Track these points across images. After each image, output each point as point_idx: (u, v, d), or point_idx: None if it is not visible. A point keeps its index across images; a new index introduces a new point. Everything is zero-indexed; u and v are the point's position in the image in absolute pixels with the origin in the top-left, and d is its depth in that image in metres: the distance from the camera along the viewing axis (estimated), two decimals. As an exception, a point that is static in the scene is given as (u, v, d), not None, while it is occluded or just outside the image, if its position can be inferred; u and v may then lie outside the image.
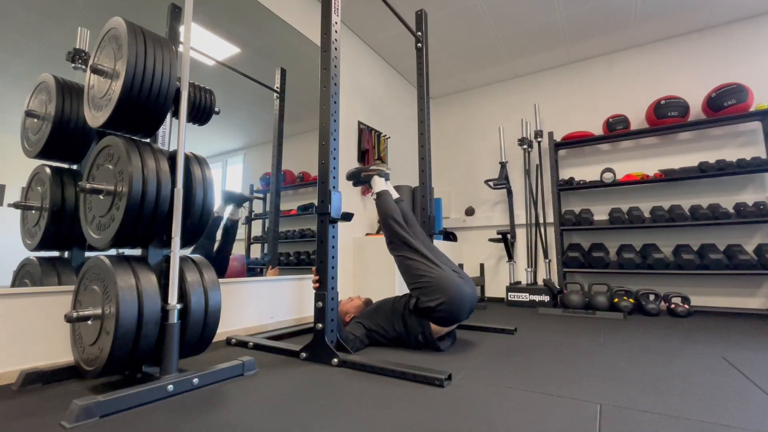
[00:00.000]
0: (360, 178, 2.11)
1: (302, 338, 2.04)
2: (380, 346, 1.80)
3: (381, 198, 1.95)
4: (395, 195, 2.04)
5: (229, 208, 2.22)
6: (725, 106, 2.94)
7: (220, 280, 1.95)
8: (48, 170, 1.41)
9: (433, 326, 1.67)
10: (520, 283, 3.71)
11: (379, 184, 2.03)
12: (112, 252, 1.30)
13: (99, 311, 1.11)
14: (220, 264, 2.16)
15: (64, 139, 1.42)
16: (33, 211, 1.42)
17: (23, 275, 1.42)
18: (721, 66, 3.22)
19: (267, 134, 2.54)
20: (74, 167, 1.52)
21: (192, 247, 1.97)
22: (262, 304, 2.23)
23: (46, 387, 1.21)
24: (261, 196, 2.52)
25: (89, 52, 1.55)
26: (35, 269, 1.41)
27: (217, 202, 2.21)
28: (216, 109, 1.66)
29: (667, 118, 3.14)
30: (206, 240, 2.10)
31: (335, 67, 1.65)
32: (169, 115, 1.43)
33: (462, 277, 1.74)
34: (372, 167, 2.11)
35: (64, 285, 1.41)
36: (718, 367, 1.44)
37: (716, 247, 2.93)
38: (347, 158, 3.15)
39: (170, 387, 1.11)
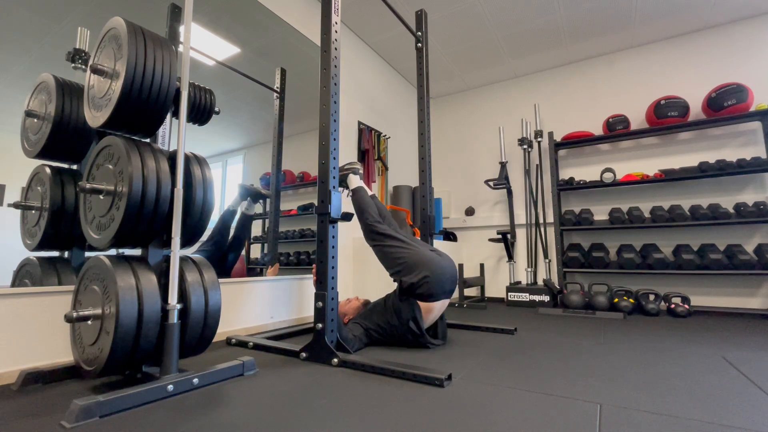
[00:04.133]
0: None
1: (302, 338, 2.04)
2: (380, 345, 1.80)
3: (357, 194, 2.02)
4: (369, 192, 2.11)
5: (244, 203, 2.27)
6: (725, 106, 2.94)
7: (220, 280, 1.95)
8: (48, 170, 1.41)
9: (423, 306, 1.70)
10: (520, 283, 3.71)
11: (354, 181, 2.11)
12: (112, 252, 1.30)
13: (99, 311, 1.11)
14: (232, 259, 2.21)
15: (64, 139, 1.42)
16: (33, 211, 1.42)
17: (23, 275, 1.42)
18: (721, 66, 3.22)
19: (267, 134, 2.54)
20: (74, 167, 1.52)
21: (202, 242, 2.01)
22: (262, 304, 2.23)
23: (46, 387, 1.21)
24: (268, 192, 2.55)
25: (89, 52, 1.55)
26: (35, 269, 1.41)
27: (232, 197, 2.27)
28: (216, 109, 1.66)
29: (667, 118, 3.14)
30: (219, 235, 2.13)
31: (335, 67, 1.65)
32: (169, 115, 1.43)
33: (439, 255, 1.82)
34: (345, 165, 2.17)
35: (64, 285, 1.41)
36: (718, 367, 1.44)
37: (716, 247, 2.93)
38: (347, 158, 3.15)
39: (170, 387, 1.11)
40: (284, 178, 2.68)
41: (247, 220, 2.30)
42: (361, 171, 2.18)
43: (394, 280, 1.81)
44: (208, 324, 1.27)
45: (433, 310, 1.73)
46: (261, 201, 2.42)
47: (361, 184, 2.10)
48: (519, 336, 2.05)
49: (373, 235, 1.89)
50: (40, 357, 1.33)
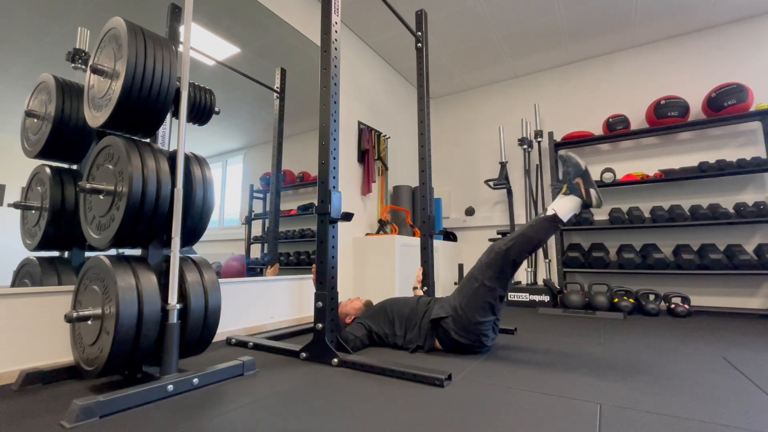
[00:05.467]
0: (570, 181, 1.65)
1: (302, 338, 2.04)
2: (380, 346, 1.79)
3: (552, 223, 1.56)
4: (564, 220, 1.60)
5: None
6: (725, 106, 2.94)
7: (220, 280, 1.95)
8: (48, 170, 1.41)
9: (436, 343, 1.67)
10: (520, 283, 3.71)
11: (566, 207, 1.60)
12: (112, 252, 1.30)
13: (99, 311, 1.11)
14: None
15: (64, 139, 1.42)
16: (33, 211, 1.42)
17: (23, 275, 1.42)
18: (721, 66, 3.22)
19: (267, 134, 2.54)
20: (74, 167, 1.52)
21: None
22: (261, 304, 2.23)
23: (46, 387, 1.21)
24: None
25: (89, 52, 1.55)
26: (35, 269, 1.41)
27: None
28: (216, 109, 1.66)
29: (667, 118, 3.14)
30: None
31: (335, 67, 1.65)
32: (169, 115, 1.43)
33: (495, 333, 1.68)
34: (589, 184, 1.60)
35: (64, 285, 1.41)
36: (718, 367, 1.44)
37: (716, 247, 2.93)
38: (347, 158, 3.15)
39: (170, 387, 1.11)
40: (284, 178, 2.68)
41: None
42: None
43: (447, 314, 1.61)
44: (208, 324, 1.27)
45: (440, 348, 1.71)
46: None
47: (564, 214, 1.57)
48: (519, 336, 2.05)
49: (503, 262, 1.59)
50: (40, 357, 1.33)
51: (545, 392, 1.15)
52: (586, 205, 1.53)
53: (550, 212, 1.55)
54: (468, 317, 1.58)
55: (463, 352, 1.63)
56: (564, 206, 1.55)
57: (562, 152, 1.66)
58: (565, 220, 1.53)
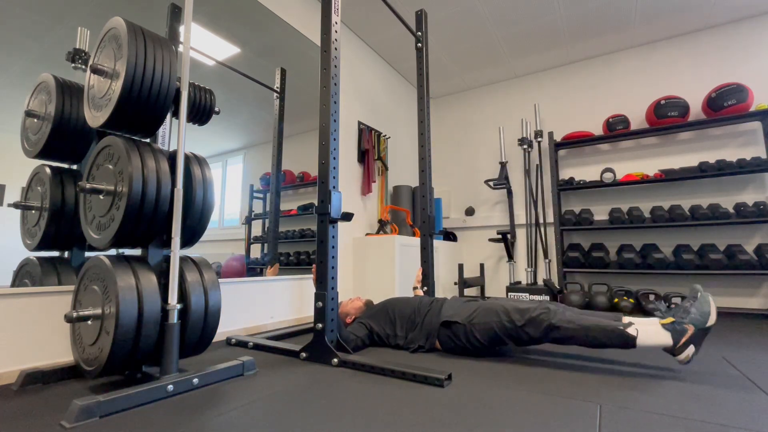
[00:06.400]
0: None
1: (302, 338, 2.04)
2: (381, 346, 1.79)
3: (626, 340, 1.34)
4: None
5: None
6: (725, 106, 2.94)
7: (220, 280, 1.95)
8: (48, 170, 1.41)
9: (437, 345, 1.67)
10: (520, 283, 3.71)
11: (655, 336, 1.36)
12: (112, 252, 1.30)
13: (99, 311, 1.11)
14: None
15: (64, 139, 1.42)
16: (33, 211, 1.42)
17: (23, 275, 1.42)
18: (721, 66, 3.22)
19: (267, 134, 2.54)
20: (74, 167, 1.52)
21: None
22: (261, 304, 2.23)
23: (46, 387, 1.21)
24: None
25: (89, 52, 1.55)
26: (35, 269, 1.41)
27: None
28: (216, 109, 1.66)
29: (667, 118, 3.14)
30: None
31: (335, 67, 1.65)
32: (169, 115, 1.43)
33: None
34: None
35: (64, 285, 1.41)
36: (718, 367, 1.44)
37: (716, 247, 2.93)
38: (347, 158, 3.15)
39: (170, 387, 1.11)
40: (284, 178, 2.68)
41: None
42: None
43: (458, 331, 1.59)
44: (208, 324, 1.27)
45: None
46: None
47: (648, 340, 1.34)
48: (519, 336, 2.04)
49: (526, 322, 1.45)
50: (40, 357, 1.33)
51: (545, 392, 1.15)
52: (672, 352, 1.29)
53: (632, 330, 1.30)
54: (477, 339, 1.55)
55: (463, 354, 1.63)
56: (650, 336, 1.29)
57: (699, 287, 1.40)
58: (637, 347, 1.30)
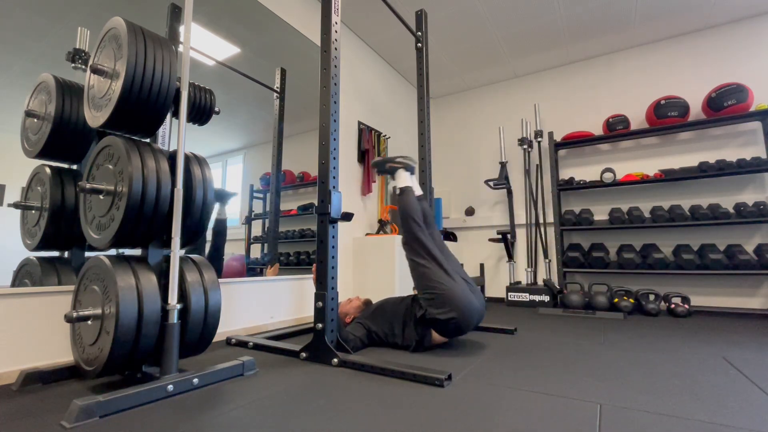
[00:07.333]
0: (384, 168, 2.00)
1: (302, 338, 2.04)
2: (380, 346, 1.79)
3: (404, 195, 1.84)
4: (418, 191, 1.93)
5: (216, 207, 2.12)
6: (725, 106, 2.94)
7: (220, 280, 1.95)
8: (48, 170, 1.41)
9: (435, 337, 1.68)
10: (520, 283, 3.71)
11: (403, 178, 1.92)
12: (112, 252, 1.30)
13: (99, 311, 1.11)
14: (215, 267, 2.13)
15: (64, 139, 1.42)
16: (33, 211, 1.42)
17: (23, 275, 1.42)
18: (721, 66, 3.22)
19: (267, 134, 2.54)
20: (74, 167, 1.52)
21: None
22: (262, 304, 2.23)
23: (46, 387, 1.21)
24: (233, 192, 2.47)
25: (89, 52, 1.55)
26: (35, 269, 1.41)
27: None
28: (216, 109, 1.66)
29: (667, 118, 3.14)
30: (192, 246, 2.04)
31: (335, 67, 1.65)
32: (169, 115, 1.43)
33: (472, 290, 1.70)
34: (398, 158, 1.96)
35: (64, 285, 1.41)
36: (718, 367, 1.44)
37: (716, 247, 2.93)
38: (347, 158, 3.15)
39: (170, 387, 1.11)
40: (284, 178, 2.68)
41: (221, 226, 2.16)
42: (414, 166, 1.99)
43: (420, 304, 1.68)
44: (208, 324, 1.27)
45: (443, 340, 1.72)
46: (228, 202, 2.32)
47: (411, 183, 1.91)
48: (519, 336, 2.05)
49: (412, 247, 1.74)
50: (40, 357, 1.33)
51: (545, 392, 1.15)
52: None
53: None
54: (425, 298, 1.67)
55: (446, 333, 1.65)
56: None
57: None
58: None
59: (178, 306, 1.17)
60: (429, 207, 1.97)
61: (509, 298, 3.42)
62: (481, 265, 3.90)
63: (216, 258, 2.15)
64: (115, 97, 1.14)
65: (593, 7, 3.03)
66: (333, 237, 1.57)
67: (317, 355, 1.51)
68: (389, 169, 1.99)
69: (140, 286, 1.12)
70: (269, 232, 2.50)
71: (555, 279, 3.59)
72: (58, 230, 1.39)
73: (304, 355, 1.54)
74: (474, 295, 1.68)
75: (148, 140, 1.34)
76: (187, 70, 1.28)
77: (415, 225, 1.76)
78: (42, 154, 1.42)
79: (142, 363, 1.18)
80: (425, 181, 2.49)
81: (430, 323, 1.65)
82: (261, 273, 2.40)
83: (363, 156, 3.31)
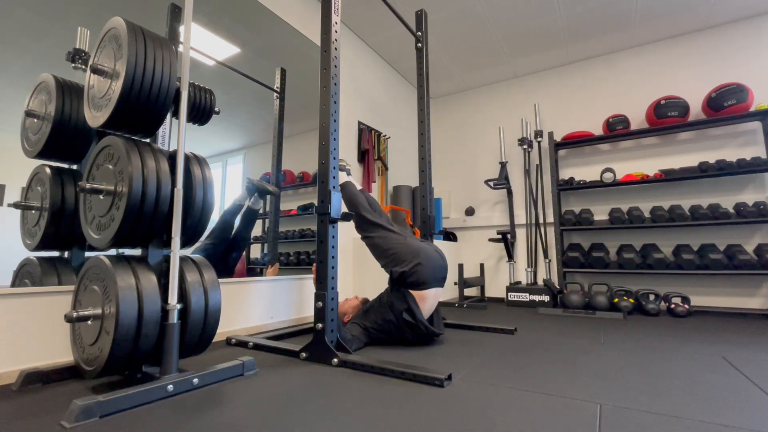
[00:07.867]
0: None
1: (302, 338, 2.04)
2: (380, 345, 1.80)
3: (345, 188, 2.05)
4: (358, 186, 2.14)
5: (252, 198, 2.32)
6: (725, 106, 2.94)
7: (220, 280, 1.95)
8: (48, 170, 1.41)
9: (416, 295, 1.72)
10: (520, 283, 3.71)
11: (342, 177, 2.13)
12: (112, 252, 1.30)
13: (99, 311, 1.11)
14: (235, 257, 2.25)
15: (64, 139, 1.42)
16: (33, 211, 1.42)
17: (23, 275, 1.42)
18: (721, 66, 3.22)
19: (267, 134, 2.54)
20: (74, 167, 1.52)
21: (203, 240, 2.04)
22: (262, 304, 2.23)
23: (46, 387, 1.21)
24: (275, 189, 2.56)
25: (89, 52, 1.55)
26: (35, 269, 1.41)
27: (238, 192, 2.32)
28: (216, 109, 1.66)
29: (667, 118, 3.14)
30: (221, 231, 2.18)
31: (335, 67, 1.65)
32: (169, 115, 1.43)
33: (428, 245, 1.88)
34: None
35: (64, 285, 1.41)
36: (718, 367, 1.44)
37: (716, 247, 2.93)
38: (347, 158, 3.15)
39: (170, 387, 1.11)
40: (284, 178, 2.68)
41: (252, 216, 2.32)
42: (348, 167, 2.24)
43: (387, 272, 1.83)
44: (208, 324, 1.26)
45: (427, 299, 1.75)
46: (267, 197, 2.44)
47: (349, 179, 2.13)
48: (519, 336, 2.05)
49: (364, 225, 1.93)
50: (40, 357, 1.33)
51: (545, 392, 1.15)
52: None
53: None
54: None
55: (419, 284, 1.74)
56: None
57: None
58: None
59: (178, 306, 1.17)
60: (373, 198, 2.18)
61: (509, 298, 3.42)
62: (481, 265, 3.90)
63: (241, 240, 2.28)
64: (115, 97, 1.14)
65: (593, 7, 3.03)
66: (333, 237, 1.57)
67: (317, 355, 1.51)
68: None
69: (140, 286, 1.12)
70: (269, 232, 2.50)
71: (555, 279, 3.59)
72: (58, 230, 1.39)
73: (304, 355, 1.54)
74: (429, 245, 1.86)
75: (148, 140, 1.34)
76: (187, 70, 1.28)
77: (362, 208, 1.95)
78: (42, 154, 1.42)
79: (142, 363, 1.18)
80: (425, 181, 2.49)
81: (402, 282, 1.75)
82: (261, 273, 2.40)
83: (363, 156, 3.31)
